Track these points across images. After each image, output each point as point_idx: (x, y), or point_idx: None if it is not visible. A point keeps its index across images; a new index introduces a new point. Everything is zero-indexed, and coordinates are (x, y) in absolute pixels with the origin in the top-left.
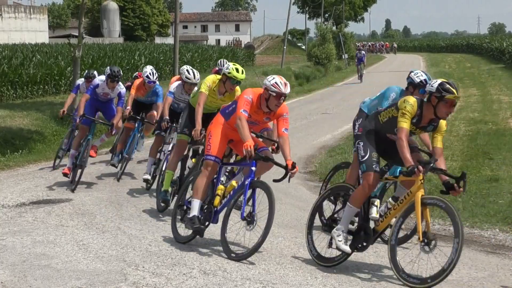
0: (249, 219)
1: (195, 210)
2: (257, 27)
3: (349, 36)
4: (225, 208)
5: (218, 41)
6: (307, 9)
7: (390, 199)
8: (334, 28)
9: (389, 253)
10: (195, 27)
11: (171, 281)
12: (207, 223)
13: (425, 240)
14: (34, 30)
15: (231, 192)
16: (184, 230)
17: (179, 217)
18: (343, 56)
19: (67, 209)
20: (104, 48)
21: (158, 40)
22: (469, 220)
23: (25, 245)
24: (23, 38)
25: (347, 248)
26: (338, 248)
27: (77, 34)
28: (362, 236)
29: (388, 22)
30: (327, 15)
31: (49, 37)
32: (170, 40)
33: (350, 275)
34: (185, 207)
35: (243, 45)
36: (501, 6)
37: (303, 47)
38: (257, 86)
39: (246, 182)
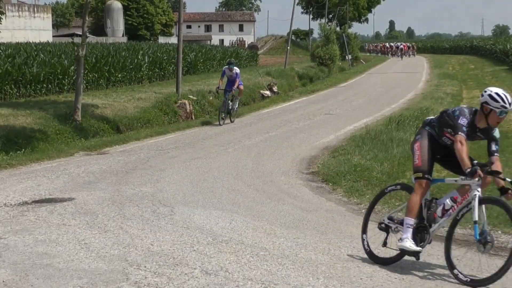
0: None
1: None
2: (261, 27)
3: (353, 37)
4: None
5: (222, 41)
6: (311, 9)
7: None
8: (338, 28)
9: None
10: (199, 26)
11: (173, 281)
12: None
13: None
14: (37, 29)
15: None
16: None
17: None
18: (346, 57)
19: (69, 208)
20: (107, 48)
21: (161, 39)
22: (472, 222)
23: (27, 244)
24: (27, 36)
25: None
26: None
27: (80, 33)
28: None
29: (392, 23)
30: (331, 15)
31: (53, 36)
32: (173, 40)
33: (352, 276)
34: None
35: (246, 45)
36: (505, 8)
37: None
38: (260, 86)
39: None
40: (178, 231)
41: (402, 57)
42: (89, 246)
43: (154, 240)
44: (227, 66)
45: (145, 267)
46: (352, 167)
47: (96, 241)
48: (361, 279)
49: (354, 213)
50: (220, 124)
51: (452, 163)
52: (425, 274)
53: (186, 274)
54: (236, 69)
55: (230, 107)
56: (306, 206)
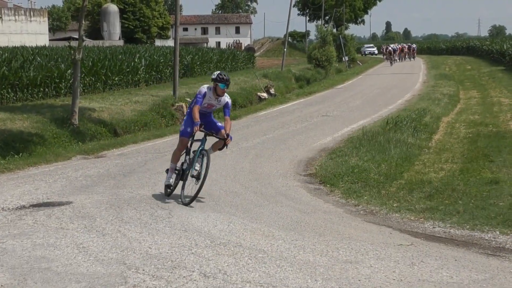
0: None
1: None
2: (258, 29)
3: (349, 38)
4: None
5: (219, 43)
6: (307, 11)
7: None
8: (334, 30)
9: None
10: (196, 29)
11: (171, 284)
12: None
13: None
14: (34, 33)
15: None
16: None
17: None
18: (343, 58)
19: (67, 212)
20: (104, 51)
21: (158, 42)
22: (470, 223)
23: (25, 248)
24: (23, 40)
25: None
26: None
27: (77, 37)
28: None
29: (388, 24)
30: (327, 17)
31: (49, 40)
32: (170, 43)
33: (350, 277)
34: None
35: (243, 48)
36: (502, 8)
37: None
38: (257, 89)
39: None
40: (176, 234)
41: (392, 63)
42: (87, 250)
43: (152, 243)
44: (212, 85)
45: (143, 270)
46: (349, 168)
47: (94, 244)
48: (359, 280)
49: (352, 215)
50: (166, 195)
51: None
52: (424, 275)
53: (184, 277)
54: (227, 97)
55: (198, 170)
56: (304, 208)
